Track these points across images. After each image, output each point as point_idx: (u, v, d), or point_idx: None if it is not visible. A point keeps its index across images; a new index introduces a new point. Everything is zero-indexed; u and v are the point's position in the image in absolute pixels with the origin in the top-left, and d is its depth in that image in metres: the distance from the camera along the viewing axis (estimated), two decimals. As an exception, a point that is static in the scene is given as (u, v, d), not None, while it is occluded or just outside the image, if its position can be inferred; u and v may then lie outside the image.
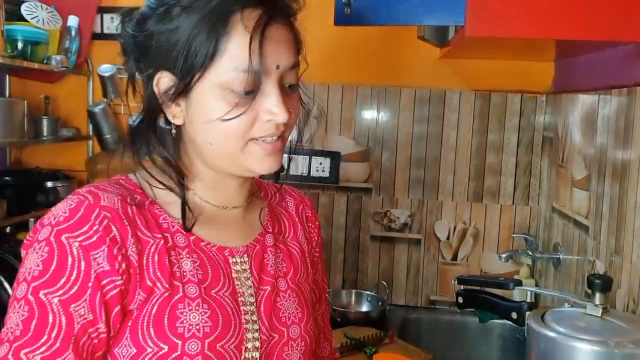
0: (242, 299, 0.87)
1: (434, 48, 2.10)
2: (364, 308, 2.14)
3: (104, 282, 0.77)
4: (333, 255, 2.27)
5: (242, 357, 0.84)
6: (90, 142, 2.41)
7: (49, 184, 2.18)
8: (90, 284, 0.77)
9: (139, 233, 0.82)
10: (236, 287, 0.88)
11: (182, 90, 0.81)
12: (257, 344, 0.86)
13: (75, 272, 0.76)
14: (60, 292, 0.76)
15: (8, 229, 2.14)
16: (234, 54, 0.79)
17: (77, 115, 2.42)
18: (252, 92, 0.80)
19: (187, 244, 0.85)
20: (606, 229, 1.49)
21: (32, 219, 2.05)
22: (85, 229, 0.78)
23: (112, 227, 0.79)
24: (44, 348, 0.74)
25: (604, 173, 1.52)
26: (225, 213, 0.91)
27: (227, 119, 0.79)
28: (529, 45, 1.65)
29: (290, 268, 0.96)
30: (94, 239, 0.78)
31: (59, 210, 0.79)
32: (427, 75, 2.19)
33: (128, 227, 0.81)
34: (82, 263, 0.77)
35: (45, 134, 2.24)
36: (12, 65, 1.97)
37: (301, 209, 1.05)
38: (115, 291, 0.78)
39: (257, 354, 0.86)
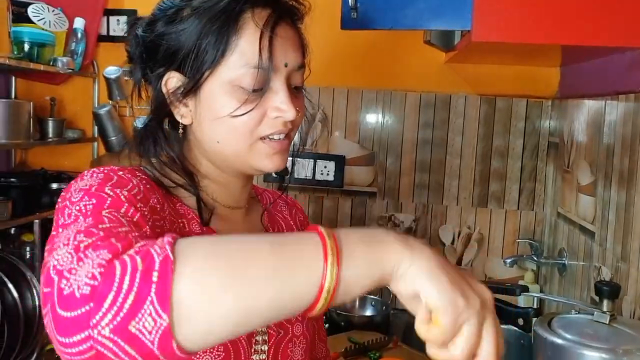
0: None
1: (439, 52, 2.10)
2: (368, 312, 2.13)
3: (156, 216, 0.77)
4: (337, 259, 2.26)
5: (252, 349, 0.87)
6: (96, 143, 2.41)
7: (54, 186, 2.18)
8: (149, 205, 0.75)
9: (169, 209, 0.83)
10: None
11: (192, 88, 0.82)
12: (266, 337, 0.89)
13: (136, 189, 0.75)
14: (127, 192, 0.72)
15: (13, 230, 2.15)
16: (245, 50, 0.80)
17: (82, 117, 2.43)
18: (260, 89, 0.81)
19: (202, 233, 0.87)
20: (612, 235, 1.49)
21: (36, 220, 2.05)
22: (138, 178, 0.78)
23: (155, 191, 0.80)
24: (127, 215, 0.68)
25: (610, 179, 1.51)
26: (230, 212, 0.93)
27: (237, 115, 0.81)
28: (535, 50, 1.65)
29: None
30: (148, 186, 0.79)
31: (101, 168, 0.78)
32: (432, 79, 2.19)
33: (165, 198, 0.83)
34: (142, 188, 0.76)
35: (50, 135, 2.25)
36: (19, 67, 1.97)
37: (294, 212, 1.08)
38: (160, 230, 0.77)
39: (265, 347, 0.88)
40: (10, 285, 1.88)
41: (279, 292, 0.56)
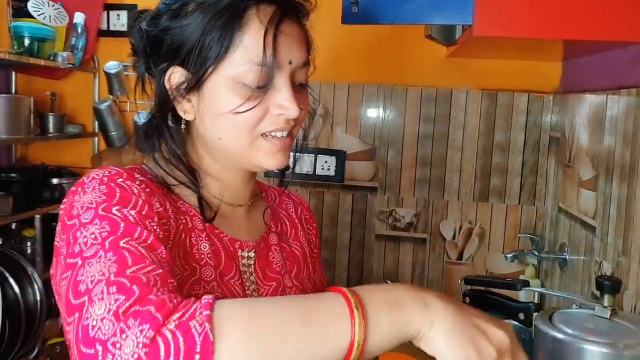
0: (248, 292, 0.89)
1: (440, 47, 2.09)
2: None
3: (163, 220, 0.78)
4: (338, 254, 2.27)
5: None
6: (96, 138, 2.41)
7: (55, 181, 2.18)
8: (155, 214, 0.76)
9: (172, 207, 0.83)
10: (243, 279, 0.89)
11: (195, 84, 0.82)
12: None
13: (140, 201, 0.76)
14: (134, 210, 0.74)
15: (14, 225, 2.15)
16: (249, 46, 0.80)
17: (82, 112, 2.42)
18: (264, 86, 0.81)
19: (204, 229, 0.87)
20: (613, 230, 1.48)
21: (37, 215, 2.05)
22: (137, 182, 0.79)
23: (155, 193, 0.81)
24: (141, 240, 0.70)
25: (612, 174, 1.51)
26: (232, 209, 0.93)
27: (239, 112, 0.80)
28: (536, 44, 1.64)
29: (294, 267, 0.98)
30: (148, 189, 0.79)
31: (102, 170, 0.79)
32: (433, 74, 2.19)
33: (166, 197, 0.83)
34: (144, 196, 0.77)
35: (51, 130, 2.25)
36: (19, 62, 1.97)
37: (300, 210, 1.07)
38: (167, 233, 0.78)
39: None
40: (12, 281, 1.88)
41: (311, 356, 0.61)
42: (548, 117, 2.14)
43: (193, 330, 0.57)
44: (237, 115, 0.81)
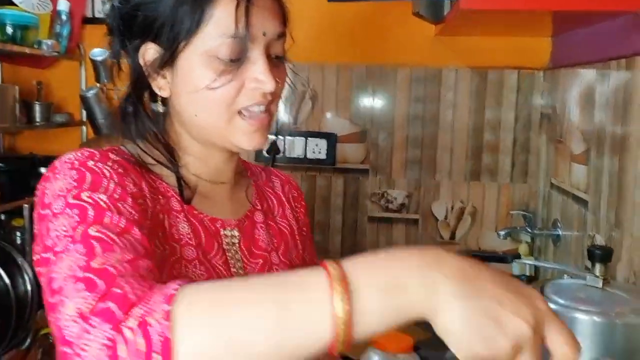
0: (234, 270, 0.87)
1: (429, 25, 2.07)
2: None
3: (138, 200, 0.76)
4: (331, 237, 2.26)
5: None
6: (84, 127, 2.39)
7: (43, 170, 2.13)
8: (129, 195, 0.75)
9: (148, 186, 0.82)
10: (228, 257, 0.87)
11: (168, 59, 0.80)
12: None
13: (112, 184, 0.74)
14: (105, 195, 0.72)
15: (2, 216, 2.13)
16: (220, 19, 0.78)
17: (70, 101, 2.40)
18: (238, 59, 0.79)
19: (182, 210, 0.85)
20: (606, 203, 1.48)
21: (26, 205, 2.03)
22: (109, 163, 0.78)
23: (130, 173, 0.80)
24: (111, 224, 0.68)
25: (603, 147, 1.50)
26: (213, 188, 0.91)
27: (214, 88, 0.79)
28: (525, 19, 1.63)
29: (281, 243, 0.97)
30: (120, 170, 0.78)
31: (74, 153, 0.78)
32: (422, 53, 2.17)
33: (141, 175, 0.82)
34: (116, 178, 0.76)
35: (38, 119, 2.23)
36: (3, 50, 1.94)
37: (287, 189, 1.06)
38: (144, 213, 0.77)
39: None
40: (1, 271, 1.87)
41: (286, 343, 0.55)
42: (539, 93, 2.13)
43: (151, 327, 0.55)
44: (211, 91, 0.79)
